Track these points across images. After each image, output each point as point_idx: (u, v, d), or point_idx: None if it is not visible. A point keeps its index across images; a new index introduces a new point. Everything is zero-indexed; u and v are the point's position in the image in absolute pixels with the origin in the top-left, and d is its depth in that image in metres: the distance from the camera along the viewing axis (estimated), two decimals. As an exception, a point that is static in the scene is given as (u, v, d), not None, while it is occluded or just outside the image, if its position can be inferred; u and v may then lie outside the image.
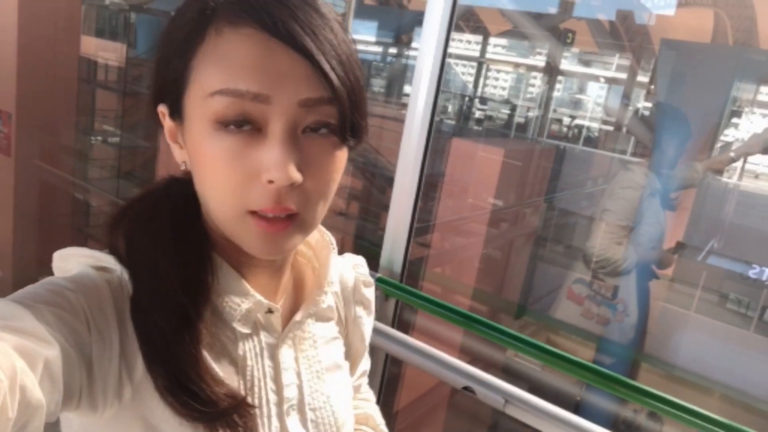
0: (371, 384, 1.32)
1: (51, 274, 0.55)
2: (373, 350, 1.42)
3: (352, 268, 0.75)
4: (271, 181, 0.48)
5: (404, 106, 1.42)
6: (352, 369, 0.76)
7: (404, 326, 1.48)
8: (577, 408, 1.81)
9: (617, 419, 1.79)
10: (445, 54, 1.35)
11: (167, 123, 0.55)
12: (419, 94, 1.36)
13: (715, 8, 3.15)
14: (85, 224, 4.03)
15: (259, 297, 0.58)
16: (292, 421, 0.60)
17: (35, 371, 0.41)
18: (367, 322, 0.76)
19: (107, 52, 4.05)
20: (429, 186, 3.36)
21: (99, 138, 4.12)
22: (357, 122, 0.51)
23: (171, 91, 0.52)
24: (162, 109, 0.54)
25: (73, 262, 0.54)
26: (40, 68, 3.47)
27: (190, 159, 0.53)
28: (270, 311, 0.60)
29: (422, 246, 2.96)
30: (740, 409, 2.20)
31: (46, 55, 3.51)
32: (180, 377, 0.49)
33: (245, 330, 0.58)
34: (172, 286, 0.52)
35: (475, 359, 1.61)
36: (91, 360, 0.48)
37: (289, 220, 0.50)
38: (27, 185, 3.54)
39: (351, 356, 0.75)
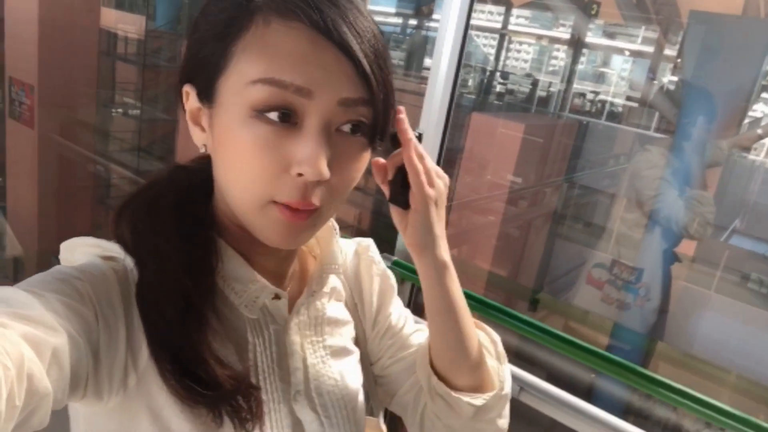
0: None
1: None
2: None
3: (355, 253, 0.74)
4: (300, 174, 0.49)
5: (423, 79, 1.39)
6: (406, 340, 0.74)
7: (420, 309, 1.48)
8: (590, 391, 1.82)
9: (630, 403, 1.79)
10: (467, 26, 1.30)
11: (191, 104, 0.54)
12: (440, 69, 1.32)
13: (748, -22, 3.03)
14: (106, 196, 4.09)
15: (265, 282, 0.58)
16: (300, 406, 0.60)
17: (43, 359, 0.41)
18: (388, 296, 0.74)
19: (127, 25, 4.05)
20: (447, 162, 3.33)
21: (119, 111, 4.15)
22: (386, 125, 0.53)
23: (204, 73, 0.52)
24: (188, 89, 0.54)
25: (79, 252, 0.55)
26: (61, 40, 3.48)
27: (217, 143, 0.52)
28: (277, 297, 0.60)
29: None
30: (759, 389, 2.19)
31: (67, 27, 3.52)
32: (184, 360, 0.50)
33: (252, 315, 0.58)
34: (175, 270, 0.52)
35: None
36: (98, 348, 0.48)
37: (310, 213, 0.52)
38: (50, 158, 3.59)
39: (392, 333, 0.74)
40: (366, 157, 0.54)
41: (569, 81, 3.96)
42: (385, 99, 0.52)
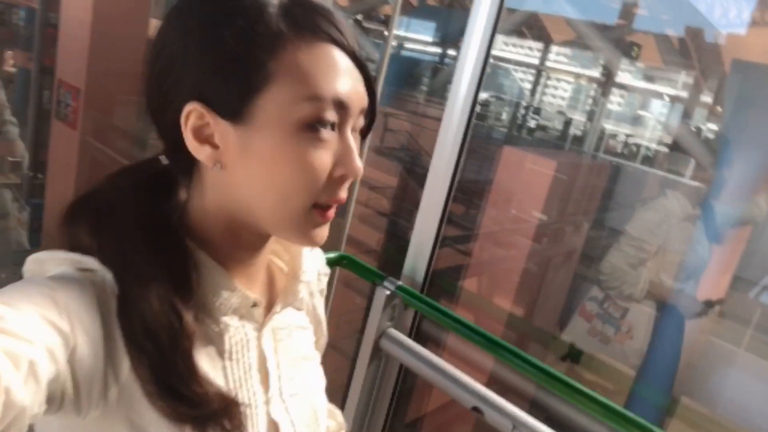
0: (383, 393, 1.31)
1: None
2: (388, 359, 1.41)
3: (313, 258, 0.77)
4: (343, 176, 0.55)
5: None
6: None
7: (423, 336, 1.46)
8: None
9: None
10: (486, 59, 1.31)
11: (197, 122, 0.54)
12: (457, 100, 1.34)
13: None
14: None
15: (245, 291, 0.60)
16: (276, 408, 0.62)
17: (20, 373, 0.41)
18: (323, 310, 0.80)
19: (173, 37, 4.17)
20: (474, 193, 3.31)
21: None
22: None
23: (230, 93, 0.52)
24: (198, 107, 0.53)
25: (49, 264, 0.54)
26: (111, 48, 3.60)
27: (252, 159, 0.53)
28: (255, 304, 0.62)
29: (462, 254, 2.92)
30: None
31: (117, 36, 3.64)
32: (169, 380, 0.50)
33: (232, 323, 0.59)
34: (159, 288, 0.52)
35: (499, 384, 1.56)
36: (74, 361, 0.47)
37: (336, 208, 0.58)
38: (89, 159, 3.69)
39: (318, 346, 0.78)
40: None
41: (606, 121, 3.92)
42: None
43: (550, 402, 1.39)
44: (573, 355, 2.57)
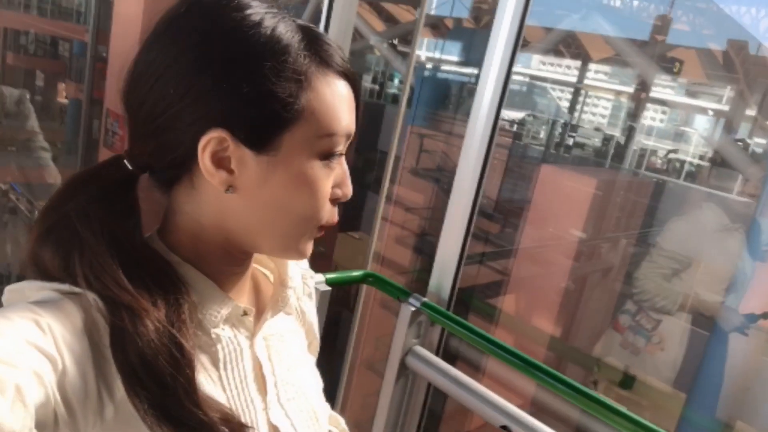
0: (412, 412, 1.30)
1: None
2: (415, 377, 1.39)
3: (296, 264, 0.76)
4: (338, 198, 0.59)
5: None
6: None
7: (450, 354, 1.43)
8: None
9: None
10: (508, 77, 1.31)
11: (217, 147, 0.53)
12: (479, 118, 1.34)
13: None
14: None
15: (236, 303, 0.60)
16: (275, 414, 0.62)
17: (5, 397, 0.40)
18: (314, 313, 0.80)
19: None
20: (510, 213, 3.27)
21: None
22: None
23: (259, 124, 0.53)
24: (221, 134, 0.53)
25: (29, 292, 0.52)
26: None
27: (272, 185, 0.55)
28: (245, 313, 0.62)
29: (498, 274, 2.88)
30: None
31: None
32: (171, 411, 0.49)
33: (225, 334, 0.59)
34: (153, 320, 0.50)
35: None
36: (65, 383, 0.46)
37: None
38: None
39: (311, 349, 0.78)
40: None
41: (647, 138, 3.83)
42: None
43: (576, 418, 1.35)
44: (626, 382, 2.51)
